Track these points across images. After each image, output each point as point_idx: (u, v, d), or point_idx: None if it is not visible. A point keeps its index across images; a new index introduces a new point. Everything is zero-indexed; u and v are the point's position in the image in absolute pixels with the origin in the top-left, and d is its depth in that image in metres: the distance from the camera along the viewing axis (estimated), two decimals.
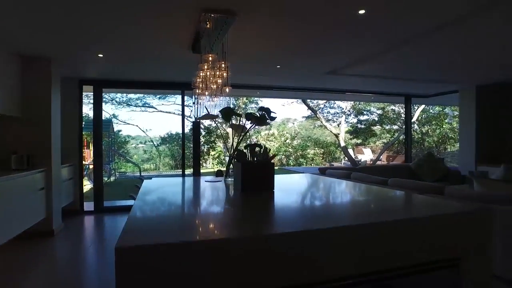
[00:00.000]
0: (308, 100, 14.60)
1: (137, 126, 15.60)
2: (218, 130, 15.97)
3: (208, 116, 2.03)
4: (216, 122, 14.85)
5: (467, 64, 4.75)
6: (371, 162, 15.19)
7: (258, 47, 3.76)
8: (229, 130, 15.01)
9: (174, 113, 15.34)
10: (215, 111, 3.10)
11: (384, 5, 2.59)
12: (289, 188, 1.93)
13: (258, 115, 1.84)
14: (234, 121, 1.88)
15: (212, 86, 3.02)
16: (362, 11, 2.63)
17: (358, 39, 3.54)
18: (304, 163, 16.15)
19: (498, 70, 5.16)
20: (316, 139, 17.55)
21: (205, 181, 1.97)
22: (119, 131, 15.29)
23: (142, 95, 13.82)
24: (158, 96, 14.25)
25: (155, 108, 15.07)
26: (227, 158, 2.21)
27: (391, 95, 7.44)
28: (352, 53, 4.09)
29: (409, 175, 5.86)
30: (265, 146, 1.66)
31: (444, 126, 16.84)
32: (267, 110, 1.90)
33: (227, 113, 1.76)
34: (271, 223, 1.07)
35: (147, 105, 14.87)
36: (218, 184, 1.87)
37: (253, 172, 1.51)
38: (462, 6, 2.69)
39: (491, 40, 3.63)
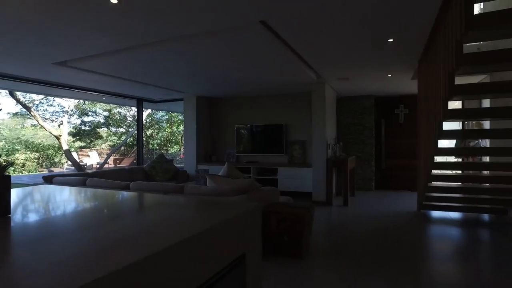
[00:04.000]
0: (19, 93, 11.98)
1: None
2: None
3: None
4: None
5: (189, 77, 5.43)
6: (98, 165, 14.42)
7: None
8: None
9: None
10: None
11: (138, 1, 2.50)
12: (34, 208, 1.45)
13: None
14: None
15: None
16: (114, 1, 2.41)
17: (101, 31, 3.23)
18: (13, 171, 13.10)
19: (211, 86, 6.22)
20: (28, 141, 14.69)
21: None
22: None
23: None
24: None
25: None
26: None
27: (124, 97, 7.35)
28: (90, 46, 3.69)
29: (144, 176, 5.98)
30: None
31: (167, 130, 18.49)
32: None
33: None
34: None
35: None
36: None
37: None
38: (193, 27, 3.04)
39: (207, 61, 4.32)
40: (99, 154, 16.00)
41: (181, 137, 16.87)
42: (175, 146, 18.76)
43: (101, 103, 15.05)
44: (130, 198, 1.71)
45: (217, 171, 5.01)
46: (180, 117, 16.98)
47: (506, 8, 2.31)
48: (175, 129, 18.26)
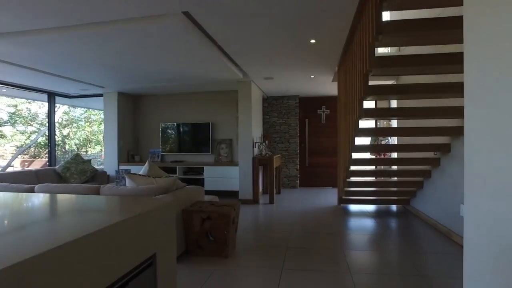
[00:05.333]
0: None
1: None
2: None
3: None
4: None
5: (107, 70, 5.04)
6: (0, 169, 12.70)
7: None
8: None
9: None
10: None
11: None
12: None
13: None
14: None
15: None
16: None
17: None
18: None
19: (132, 81, 5.87)
20: None
21: None
22: None
23: None
24: None
25: None
26: None
27: (32, 90, 6.55)
28: None
29: (56, 179, 5.40)
30: None
31: (86, 129, 17.06)
32: None
33: None
34: None
35: None
36: None
37: None
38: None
39: (124, 53, 4.06)
40: (1, 156, 14.11)
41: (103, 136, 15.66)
42: (96, 147, 17.38)
43: (2, 97, 13.26)
44: (23, 199, 1.48)
45: (140, 171, 4.73)
46: (102, 115, 15.77)
47: (410, 18, 2.55)
48: (97, 128, 16.93)
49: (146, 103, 7.43)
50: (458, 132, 3.55)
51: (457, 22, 2.39)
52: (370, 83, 3.03)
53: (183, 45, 3.77)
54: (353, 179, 5.08)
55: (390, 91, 3.18)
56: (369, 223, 4.53)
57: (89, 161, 6.09)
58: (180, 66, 4.81)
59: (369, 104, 6.77)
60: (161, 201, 1.25)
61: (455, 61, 2.70)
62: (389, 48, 5.32)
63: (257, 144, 6.44)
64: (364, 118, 3.59)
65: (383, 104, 6.77)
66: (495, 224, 1.07)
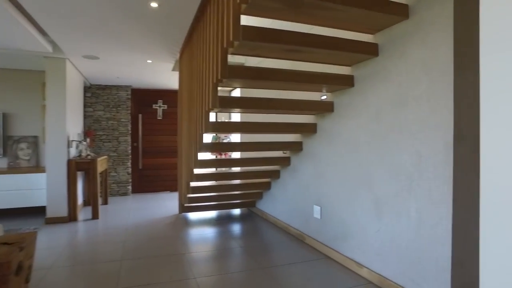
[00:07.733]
0: None
1: None
2: None
3: None
4: None
5: None
6: None
7: None
8: None
9: None
10: None
11: None
12: None
13: None
14: None
15: None
16: None
17: None
18: None
19: None
20: None
21: None
22: None
23: None
24: None
25: None
26: None
27: None
28: None
29: None
30: None
31: None
32: None
33: None
34: None
35: None
36: None
37: None
38: None
39: None
40: None
41: None
42: None
43: None
44: None
45: None
46: None
47: None
48: None
49: None
50: (312, 129, 3.37)
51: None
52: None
53: None
54: (196, 183, 4.42)
55: (256, 75, 2.63)
56: (217, 234, 3.94)
57: None
58: None
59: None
60: None
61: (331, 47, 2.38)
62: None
63: (75, 143, 4.97)
64: (218, 109, 2.96)
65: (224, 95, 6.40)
66: None
